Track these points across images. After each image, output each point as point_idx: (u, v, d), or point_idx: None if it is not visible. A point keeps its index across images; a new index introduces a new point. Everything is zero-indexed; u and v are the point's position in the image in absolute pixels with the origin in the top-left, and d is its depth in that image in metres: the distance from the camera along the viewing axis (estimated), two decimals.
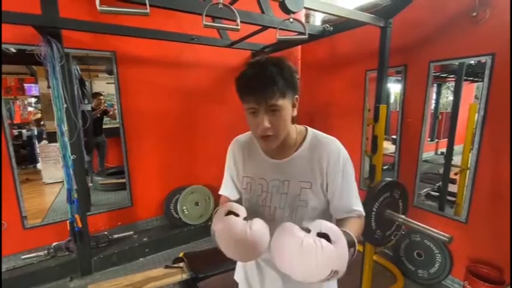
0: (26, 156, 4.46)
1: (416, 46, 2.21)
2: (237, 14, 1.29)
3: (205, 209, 2.97)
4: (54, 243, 2.25)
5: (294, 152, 0.80)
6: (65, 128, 1.99)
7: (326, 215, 0.82)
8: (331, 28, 2.21)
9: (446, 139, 2.41)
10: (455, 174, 2.23)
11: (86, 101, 3.19)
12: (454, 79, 2.51)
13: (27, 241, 2.26)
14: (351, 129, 2.84)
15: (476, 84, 2.86)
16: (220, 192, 0.96)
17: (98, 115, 3.70)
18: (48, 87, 1.95)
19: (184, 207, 2.85)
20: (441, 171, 2.50)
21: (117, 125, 2.61)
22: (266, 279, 0.88)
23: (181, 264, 1.84)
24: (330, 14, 1.75)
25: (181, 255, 1.96)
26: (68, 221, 2.13)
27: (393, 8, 1.85)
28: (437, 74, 2.78)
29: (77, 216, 2.12)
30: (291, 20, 1.45)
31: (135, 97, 2.62)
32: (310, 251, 0.57)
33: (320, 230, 0.61)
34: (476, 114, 1.88)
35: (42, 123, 4.38)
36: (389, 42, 1.92)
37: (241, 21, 1.37)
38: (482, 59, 1.83)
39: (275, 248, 0.64)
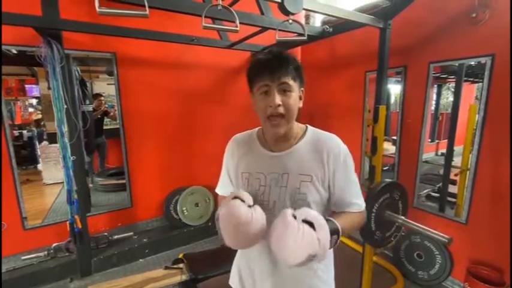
0: (27, 157, 4.47)
1: (416, 47, 2.21)
2: (236, 16, 1.29)
3: (205, 210, 2.97)
4: (54, 244, 2.25)
5: (294, 145, 0.81)
6: (65, 129, 2.00)
7: (327, 208, 0.83)
8: (331, 29, 2.21)
9: (446, 140, 2.41)
10: (456, 175, 2.23)
11: (87, 102, 3.19)
12: (454, 80, 2.51)
13: (27, 242, 2.26)
14: (350, 130, 2.84)
15: (476, 85, 2.85)
16: (217, 191, 0.97)
17: (99, 116, 3.71)
18: (49, 88, 1.95)
19: (184, 208, 2.85)
20: (441, 172, 2.49)
21: (118, 126, 2.62)
22: (257, 284, 0.87)
23: (180, 265, 1.84)
24: (329, 15, 1.76)
25: (181, 256, 1.96)
26: (68, 222, 2.14)
27: (392, 9, 1.85)
28: (438, 74, 2.78)
29: (76, 217, 2.12)
30: (290, 21, 1.45)
31: (135, 98, 2.62)
32: (293, 234, 0.62)
33: (305, 217, 0.64)
34: (477, 115, 1.88)
35: (42, 123, 4.39)
36: (388, 43, 1.92)
37: (240, 23, 1.38)
38: (482, 60, 1.83)
39: (271, 228, 0.68)
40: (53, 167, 3.87)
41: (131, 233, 2.66)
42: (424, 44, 2.14)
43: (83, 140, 2.69)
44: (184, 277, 1.73)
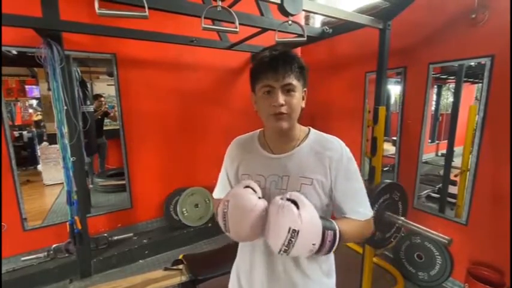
0: (27, 158, 4.46)
1: (415, 48, 2.21)
2: (235, 17, 1.29)
3: (205, 211, 2.97)
4: (54, 245, 2.25)
5: (295, 147, 0.79)
6: (65, 130, 2.00)
7: (327, 214, 0.80)
8: (331, 30, 2.22)
9: (446, 141, 2.41)
10: (456, 175, 2.22)
11: (88, 103, 3.19)
12: (454, 81, 2.51)
13: (26, 243, 2.26)
14: (350, 131, 2.84)
15: (476, 85, 2.85)
16: (214, 195, 0.94)
17: (99, 117, 3.71)
18: (49, 89, 1.96)
19: (184, 209, 2.85)
20: (441, 172, 2.49)
21: (118, 127, 2.62)
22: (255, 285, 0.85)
23: (180, 266, 1.84)
24: (328, 16, 1.76)
25: (180, 257, 1.95)
26: (67, 223, 2.13)
27: (392, 10, 1.85)
28: (438, 75, 2.78)
29: (76, 218, 2.12)
30: (290, 22, 1.45)
31: (136, 99, 2.63)
32: (274, 209, 0.65)
33: (290, 196, 0.67)
34: (476, 116, 1.88)
35: (42, 124, 4.40)
36: (388, 44, 1.93)
37: (240, 24, 1.38)
38: (482, 61, 1.83)
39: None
40: (53, 167, 3.87)
41: (131, 234, 2.65)
42: (424, 44, 2.14)
43: (83, 140, 2.69)
44: (184, 278, 1.73)
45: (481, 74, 1.83)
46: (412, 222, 1.56)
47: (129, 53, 2.52)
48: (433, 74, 2.15)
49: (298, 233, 0.62)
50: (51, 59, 1.86)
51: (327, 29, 2.21)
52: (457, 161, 2.27)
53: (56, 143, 2.05)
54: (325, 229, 0.66)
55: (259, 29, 2.05)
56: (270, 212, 0.68)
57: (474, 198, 1.91)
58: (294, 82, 0.72)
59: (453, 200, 2.25)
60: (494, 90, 1.77)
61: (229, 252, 1.99)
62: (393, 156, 2.47)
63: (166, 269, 1.84)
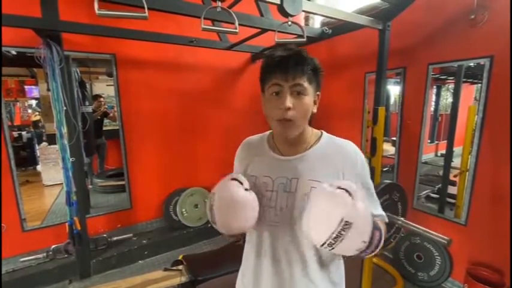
0: (26, 158, 4.46)
1: (415, 48, 2.21)
2: (235, 17, 1.30)
3: (204, 211, 2.96)
4: (53, 246, 2.24)
5: (307, 150, 0.75)
6: (64, 130, 1.99)
7: None
8: (330, 31, 2.22)
9: (446, 141, 2.41)
10: (455, 176, 2.23)
11: (87, 103, 3.19)
12: (453, 81, 2.51)
13: (26, 243, 2.26)
14: (350, 131, 2.84)
15: (475, 86, 2.85)
16: None
17: (98, 117, 3.71)
18: (48, 89, 1.95)
19: (183, 210, 2.85)
20: (441, 173, 2.49)
21: (117, 127, 2.62)
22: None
23: (180, 267, 1.83)
24: (328, 17, 1.76)
25: (180, 257, 1.95)
26: (66, 224, 2.13)
27: (391, 11, 1.86)
28: (437, 76, 2.78)
29: (76, 218, 2.12)
30: (290, 23, 1.45)
31: (135, 99, 2.62)
32: (324, 195, 0.59)
33: (340, 185, 0.60)
34: (476, 116, 1.88)
35: (40, 125, 4.39)
36: (388, 45, 1.93)
37: (240, 24, 1.38)
38: (481, 61, 1.84)
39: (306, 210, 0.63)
40: (52, 168, 3.86)
41: (130, 235, 2.65)
42: (423, 45, 2.15)
43: (82, 141, 2.68)
44: (183, 279, 1.73)
45: (480, 74, 1.83)
46: (411, 223, 1.56)
47: (128, 53, 2.51)
48: (433, 75, 2.15)
49: (351, 226, 0.55)
50: (50, 60, 1.86)
51: (326, 30, 2.22)
52: (456, 162, 2.27)
53: (55, 144, 2.05)
54: (373, 228, 0.60)
55: (259, 30, 2.05)
56: (313, 200, 0.61)
57: (473, 199, 1.92)
58: (305, 84, 0.67)
59: (452, 201, 2.25)
60: (493, 90, 1.77)
61: (228, 252, 1.99)
62: (393, 156, 2.48)
63: (165, 269, 1.84)
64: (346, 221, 0.55)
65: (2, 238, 2.12)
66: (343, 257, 0.80)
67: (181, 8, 1.47)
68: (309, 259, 0.73)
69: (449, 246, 1.47)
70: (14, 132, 4.41)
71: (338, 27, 2.22)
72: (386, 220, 0.78)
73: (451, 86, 2.97)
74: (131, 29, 2.15)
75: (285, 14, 1.43)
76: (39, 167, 4.21)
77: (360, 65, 2.68)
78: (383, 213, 0.78)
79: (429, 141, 3.35)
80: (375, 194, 0.78)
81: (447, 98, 3.47)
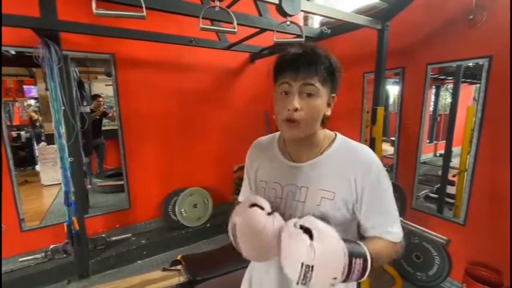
0: (25, 158, 4.45)
1: (413, 48, 2.21)
2: (233, 17, 1.29)
3: (203, 211, 2.96)
4: (51, 246, 2.24)
5: (318, 156, 0.70)
6: (62, 130, 1.99)
7: (351, 231, 0.72)
8: (329, 31, 2.22)
9: (445, 141, 2.41)
10: (454, 176, 2.23)
11: (85, 103, 3.18)
12: (452, 81, 2.52)
13: (24, 243, 2.25)
14: (349, 131, 2.83)
15: (474, 86, 2.86)
16: (239, 198, 0.90)
17: (97, 117, 3.70)
18: (46, 89, 1.95)
19: (182, 210, 2.84)
20: (440, 173, 2.50)
21: (116, 127, 2.61)
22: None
23: (179, 267, 1.83)
24: (327, 16, 1.76)
25: (179, 257, 1.95)
26: (65, 224, 2.13)
27: (390, 11, 1.86)
28: (436, 76, 2.78)
29: (74, 218, 2.11)
30: (288, 22, 1.45)
31: (134, 99, 2.62)
32: (288, 237, 0.58)
33: (303, 224, 0.57)
34: (474, 116, 1.88)
35: (38, 124, 4.39)
36: (386, 45, 1.93)
37: (239, 24, 1.38)
38: (480, 61, 1.84)
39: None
40: (51, 168, 3.85)
41: (129, 235, 2.64)
42: (422, 45, 2.15)
43: (80, 141, 2.68)
44: (182, 279, 1.72)
45: (479, 74, 1.84)
46: (410, 223, 1.56)
47: (127, 53, 2.51)
48: (432, 75, 2.15)
49: (312, 268, 0.54)
50: (48, 59, 1.86)
51: (325, 30, 2.22)
52: (455, 161, 2.27)
53: (54, 143, 2.05)
54: (352, 257, 0.56)
55: (257, 30, 2.05)
56: (282, 239, 0.59)
57: (472, 199, 1.92)
58: (317, 85, 0.62)
59: (451, 200, 2.26)
60: (492, 90, 1.77)
61: (227, 252, 1.99)
62: (391, 156, 2.48)
63: (164, 269, 1.83)
64: (307, 265, 0.54)
65: (1, 238, 2.11)
66: None
67: (179, 7, 1.47)
68: None
69: (448, 246, 1.47)
70: (12, 132, 4.40)
71: (337, 27, 2.22)
72: (400, 239, 0.69)
73: (450, 86, 2.98)
74: (130, 29, 2.15)
75: (284, 14, 1.43)
76: (38, 167, 4.20)
77: (358, 65, 2.68)
78: (397, 231, 0.69)
79: (428, 141, 3.36)
80: (393, 207, 0.69)
81: (446, 98, 3.47)
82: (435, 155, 3.53)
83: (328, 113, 0.69)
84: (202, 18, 1.25)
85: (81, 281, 2.24)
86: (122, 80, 2.53)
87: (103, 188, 3.48)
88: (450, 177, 2.33)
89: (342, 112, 2.96)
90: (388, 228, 0.68)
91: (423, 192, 2.57)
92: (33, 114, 4.54)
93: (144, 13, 1.05)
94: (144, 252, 2.59)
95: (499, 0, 1.71)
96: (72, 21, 1.92)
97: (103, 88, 4.00)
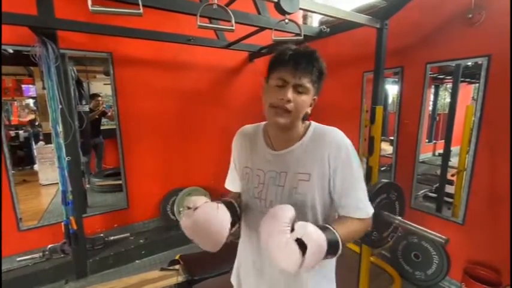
0: (23, 158, 4.43)
1: (412, 48, 2.21)
2: (231, 15, 1.29)
3: None
4: (49, 246, 2.23)
5: (295, 143, 0.78)
6: (60, 129, 1.98)
7: (327, 211, 0.78)
8: (328, 29, 2.21)
9: (443, 140, 2.41)
10: (452, 175, 2.23)
11: (84, 102, 3.17)
12: (451, 81, 2.51)
13: (22, 243, 2.24)
14: (348, 131, 2.77)
15: (473, 85, 2.86)
16: (226, 186, 0.97)
17: (96, 116, 3.69)
18: (43, 88, 1.94)
19: (181, 209, 2.83)
20: (439, 172, 2.49)
21: (115, 127, 2.60)
22: (253, 284, 0.87)
23: (177, 267, 1.83)
24: (325, 15, 1.75)
25: (177, 257, 1.94)
26: (62, 223, 2.12)
27: (389, 9, 1.85)
28: (435, 75, 2.78)
29: (72, 218, 2.10)
30: (287, 21, 1.44)
31: (132, 98, 2.61)
32: (279, 248, 0.59)
33: (301, 236, 0.58)
34: (473, 116, 1.88)
35: (36, 123, 4.37)
36: (385, 44, 1.92)
37: (237, 22, 1.37)
38: (479, 61, 1.84)
39: (264, 230, 0.64)
40: (50, 167, 3.84)
41: (127, 234, 2.64)
42: (421, 44, 2.14)
43: (78, 140, 2.67)
44: (180, 278, 1.72)
45: (478, 74, 1.83)
46: (409, 222, 1.56)
47: (125, 52, 2.50)
48: (431, 74, 2.15)
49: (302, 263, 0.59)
50: (46, 58, 1.85)
51: (324, 28, 2.21)
52: (454, 161, 2.27)
53: (52, 143, 2.04)
54: (329, 246, 0.61)
55: (256, 28, 2.04)
56: (270, 248, 0.61)
57: (471, 198, 1.91)
58: (308, 85, 0.71)
59: (450, 200, 2.26)
60: (490, 90, 1.77)
61: (225, 252, 1.98)
62: (390, 156, 2.47)
63: (162, 269, 1.83)
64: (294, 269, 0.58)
65: (1, 237, 2.10)
66: None
67: (177, 5, 1.46)
68: None
69: (447, 245, 1.47)
70: (11, 132, 4.39)
71: (336, 26, 2.21)
72: (369, 215, 0.76)
73: (449, 85, 2.98)
74: (128, 27, 2.14)
75: (282, 12, 1.42)
76: (36, 166, 4.19)
77: (358, 64, 2.67)
78: (367, 208, 0.75)
79: (427, 140, 3.36)
80: (362, 186, 0.75)
81: (445, 97, 3.47)
82: (434, 155, 3.53)
83: (309, 111, 0.77)
84: (200, 16, 1.24)
85: (79, 280, 2.23)
86: (120, 79, 2.52)
87: (101, 187, 3.47)
88: (449, 177, 2.33)
89: (341, 111, 2.96)
90: (359, 205, 0.74)
91: (422, 191, 2.57)
92: (31, 113, 4.53)
93: (141, 10, 1.04)
94: (143, 252, 2.58)
95: None
96: (69, 19, 1.91)
97: (101, 87, 3.99)
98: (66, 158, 2.01)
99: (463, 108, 2.17)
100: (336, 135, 0.76)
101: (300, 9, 1.51)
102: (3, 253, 2.17)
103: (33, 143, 4.42)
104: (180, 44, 2.42)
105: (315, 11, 1.65)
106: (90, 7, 0.94)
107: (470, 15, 1.82)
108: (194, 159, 3.01)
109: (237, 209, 0.82)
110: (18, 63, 3.59)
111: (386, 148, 2.61)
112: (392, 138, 2.49)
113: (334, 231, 0.65)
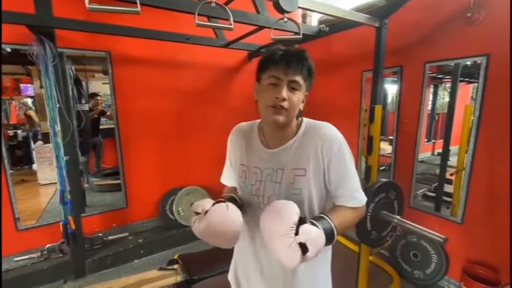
0: (22, 157, 4.42)
1: (411, 47, 2.21)
2: (230, 13, 1.28)
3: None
4: (47, 245, 2.22)
5: (289, 141, 0.80)
6: (58, 128, 1.97)
7: (324, 203, 0.81)
8: (327, 28, 2.20)
9: (442, 140, 2.41)
10: (451, 174, 2.23)
11: (83, 101, 3.16)
12: (450, 80, 2.51)
13: (20, 243, 2.23)
14: (347, 130, 2.80)
15: (472, 85, 2.86)
16: (221, 181, 0.99)
17: (96, 116, 3.68)
18: (41, 87, 1.93)
19: (180, 209, 2.83)
20: (437, 171, 2.50)
21: (113, 126, 2.59)
22: (252, 280, 0.89)
23: (175, 266, 1.82)
24: (324, 14, 1.75)
25: (176, 257, 1.94)
26: (61, 223, 2.11)
27: (388, 9, 1.85)
28: (434, 74, 2.78)
29: (70, 217, 2.09)
30: (285, 19, 1.44)
31: (131, 98, 2.60)
32: (282, 247, 0.62)
33: (305, 241, 0.61)
34: (472, 115, 1.88)
35: (35, 123, 4.35)
36: (384, 43, 1.92)
37: (236, 21, 1.37)
38: (478, 60, 1.84)
39: (267, 227, 0.66)
40: (48, 167, 3.83)
41: (126, 234, 2.63)
42: (420, 43, 2.14)
43: (77, 139, 2.66)
44: (179, 278, 1.71)
45: (477, 73, 1.83)
46: (408, 221, 1.56)
47: (124, 51, 2.49)
48: (430, 73, 2.15)
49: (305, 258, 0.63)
50: (43, 56, 1.84)
51: (323, 27, 2.20)
52: (452, 160, 2.27)
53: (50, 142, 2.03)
54: (326, 238, 0.66)
55: (255, 27, 2.03)
56: (270, 244, 0.65)
57: (469, 197, 1.92)
58: (301, 82, 0.73)
59: (449, 199, 2.26)
60: (489, 89, 1.77)
61: (224, 252, 1.98)
62: (389, 155, 2.47)
63: (161, 269, 1.82)
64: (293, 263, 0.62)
65: (2, 237, 2.09)
66: None
67: (174, 3, 1.44)
68: None
69: (446, 245, 1.47)
70: (9, 131, 4.37)
71: (335, 25, 2.21)
72: (363, 204, 0.80)
73: (448, 85, 2.98)
74: (127, 26, 2.12)
75: (281, 11, 1.42)
76: (34, 166, 4.17)
77: (357, 63, 2.67)
78: (361, 197, 0.79)
79: (426, 140, 3.36)
80: (355, 176, 0.78)
81: (444, 97, 3.47)
82: (433, 154, 3.53)
83: (302, 108, 0.79)
84: (198, 14, 1.24)
85: (78, 280, 2.23)
86: (119, 78, 2.51)
87: (100, 187, 3.46)
88: (448, 176, 2.33)
89: (340, 110, 2.96)
90: (354, 194, 0.78)
91: (421, 190, 2.57)
92: (30, 112, 4.51)
93: (139, 8, 1.04)
94: (141, 252, 2.58)
95: None
96: (67, 18, 1.89)
97: (100, 86, 3.98)
98: (65, 158, 2.00)
99: (462, 108, 2.17)
100: (328, 130, 0.78)
101: (299, 8, 1.51)
102: (1, 253, 2.16)
103: (32, 142, 4.41)
104: (179, 43, 2.41)
105: (314, 10, 1.64)
106: (87, 5, 0.93)
107: (469, 14, 1.81)
108: (193, 158, 3.01)
109: (240, 202, 0.85)
110: (16, 62, 3.58)
111: (386, 147, 2.62)
112: (391, 137, 2.49)
113: (330, 221, 0.69)
